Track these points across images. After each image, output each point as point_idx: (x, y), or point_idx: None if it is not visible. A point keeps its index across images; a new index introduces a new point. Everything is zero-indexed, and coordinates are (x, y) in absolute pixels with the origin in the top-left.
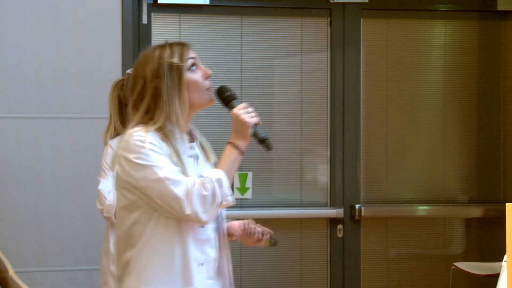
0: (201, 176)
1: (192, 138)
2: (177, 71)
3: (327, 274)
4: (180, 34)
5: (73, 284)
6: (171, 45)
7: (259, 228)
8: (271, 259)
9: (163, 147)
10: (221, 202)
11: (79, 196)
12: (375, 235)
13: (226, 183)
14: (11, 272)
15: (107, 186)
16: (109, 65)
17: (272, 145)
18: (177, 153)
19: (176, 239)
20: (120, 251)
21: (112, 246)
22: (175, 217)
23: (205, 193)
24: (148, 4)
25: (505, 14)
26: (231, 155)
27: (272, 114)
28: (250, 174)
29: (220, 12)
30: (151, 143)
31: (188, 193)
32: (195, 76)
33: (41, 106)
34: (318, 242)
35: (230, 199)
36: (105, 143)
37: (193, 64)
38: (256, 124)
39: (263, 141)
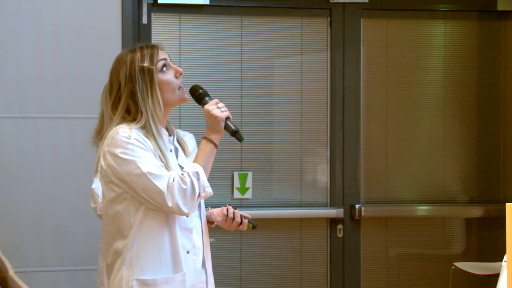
0: (182, 169)
1: (170, 133)
2: (148, 74)
3: (327, 274)
4: (180, 34)
5: (73, 284)
6: (142, 48)
7: (239, 213)
8: (271, 259)
9: (147, 143)
10: (199, 194)
11: (79, 196)
12: (375, 235)
13: (203, 176)
14: (11, 272)
15: (100, 185)
16: (109, 65)
17: (243, 137)
18: (160, 148)
19: (165, 228)
20: (110, 241)
21: None
22: (159, 210)
23: (184, 186)
24: (148, 4)
25: (505, 14)
26: (206, 149)
27: (272, 114)
28: (250, 174)
29: (220, 12)
30: (136, 139)
31: (169, 187)
32: (167, 76)
33: (41, 106)
34: (318, 242)
35: (208, 191)
36: (96, 144)
37: (164, 65)
38: (227, 118)
39: (234, 133)
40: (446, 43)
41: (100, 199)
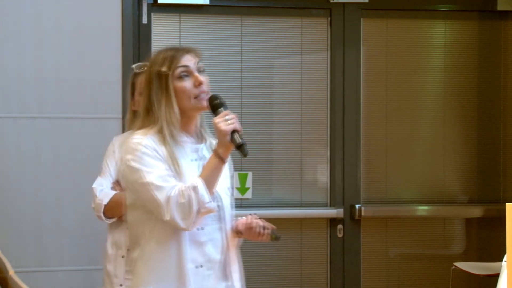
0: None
1: (200, 140)
2: (165, 79)
3: (327, 274)
4: (180, 34)
5: (73, 284)
6: (167, 51)
7: (261, 223)
8: (271, 259)
9: (160, 150)
10: (198, 209)
11: (79, 196)
12: (375, 235)
13: (203, 190)
14: (11, 272)
15: (100, 184)
16: (109, 65)
17: (248, 151)
18: (173, 156)
19: (172, 240)
20: (130, 249)
21: (108, 246)
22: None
23: (182, 200)
24: (148, 4)
25: (505, 14)
26: (212, 163)
27: (272, 114)
28: (250, 174)
29: (220, 12)
30: (146, 146)
31: (168, 199)
32: (184, 84)
33: (41, 106)
34: (318, 242)
35: (208, 206)
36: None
37: (183, 72)
38: (234, 131)
39: (238, 148)
40: (446, 43)
41: (97, 200)
